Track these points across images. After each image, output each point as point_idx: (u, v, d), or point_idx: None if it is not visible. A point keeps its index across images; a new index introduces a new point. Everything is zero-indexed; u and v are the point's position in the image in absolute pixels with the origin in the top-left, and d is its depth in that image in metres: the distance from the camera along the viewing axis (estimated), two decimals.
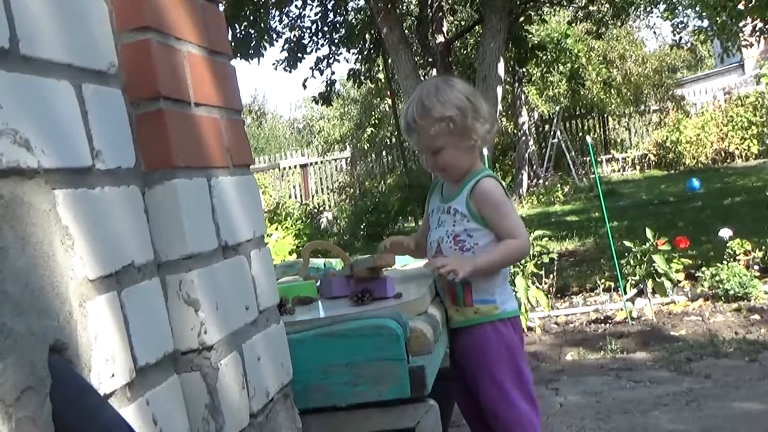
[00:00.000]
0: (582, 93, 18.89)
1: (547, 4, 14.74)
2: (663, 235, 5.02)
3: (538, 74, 17.86)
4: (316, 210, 14.51)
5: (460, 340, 2.33)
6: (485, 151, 4.25)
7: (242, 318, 1.48)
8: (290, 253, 8.06)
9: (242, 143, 1.65)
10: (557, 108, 17.91)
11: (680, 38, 16.53)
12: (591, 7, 15.01)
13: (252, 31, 12.35)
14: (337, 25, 14.11)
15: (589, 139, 6.01)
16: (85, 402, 0.96)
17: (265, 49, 12.62)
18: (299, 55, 13.68)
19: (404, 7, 15.02)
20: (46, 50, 1.07)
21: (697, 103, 18.90)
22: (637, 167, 17.60)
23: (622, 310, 4.95)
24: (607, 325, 4.84)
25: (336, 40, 14.14)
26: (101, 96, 1.20)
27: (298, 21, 13.87)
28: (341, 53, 14.53)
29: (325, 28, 13.92)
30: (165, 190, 1.30)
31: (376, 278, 2.24)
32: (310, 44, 13.92)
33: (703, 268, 5.23)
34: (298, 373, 1.75)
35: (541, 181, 15.85)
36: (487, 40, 10.01)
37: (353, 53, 14.84)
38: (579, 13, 15.59)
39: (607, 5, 14.82)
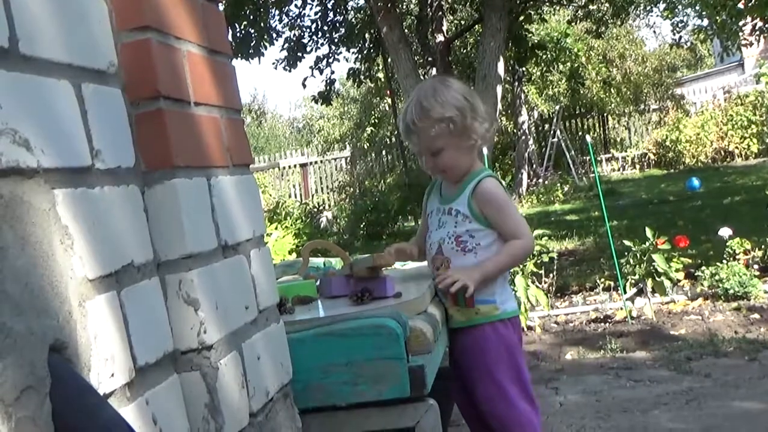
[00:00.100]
0: (582, 92, 18.90)
1: (547, 4, 14.74)
2: (663, 235, 5.02)
3: (538, 73, 17.87)
4: (315, 209, 14.51)
5: (460, 339, 2.33)
6: (485, 151, 4.25)
7: (242, 317, 1.48)
8: (290, 253, 8.07)
9: (242, 143, 1.65)
10: (557, 107, 17.91)
11: (680, 37, 16.53)
12: (591, 6, 15.02)
13: (252, 31, 12.35)
14: (337, 25, 14.11)
15: (588, 138, 6.02)
16: (84, 401, 0.96)
17: (265, 49, 12.62)
18: (299, 54, 13.68)
19: (404, 7, 15.02)
20: (45, 50, 1.07)
21: (696, 102, 18.91)
22: (637, 166, 17.61)
23: (621, 309, 4.95)
24: (607, 324, 4.84)
25: (336, 40, 14.15)
26: (101, 95, 1.20)
27: (298, 20, 13.88)
28: (341, 52, 14.55)
29: (325, 28, 13.92)
30: (165, 190, 1.30)
31: (375, 277, 2.24)
32: (309, 43, 13.93)
33: (703, 268, 5.23)
34: (297, 373, 1.75)
35: (540, 181, 15.85)
36: (487, 39, 10.01)
37: (353, 52, 14.85)
38: (579, 12, 15.59)
39: (607, 4, 14.83)
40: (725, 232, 5.43)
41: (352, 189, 17.11)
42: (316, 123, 30.69)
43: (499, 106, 10.96)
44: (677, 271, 4.96)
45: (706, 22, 13.51)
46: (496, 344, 2.27)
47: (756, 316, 4.53)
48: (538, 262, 5.11)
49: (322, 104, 15.45)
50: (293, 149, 22.94)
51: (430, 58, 13.39)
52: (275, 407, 1.59)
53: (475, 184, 2.27)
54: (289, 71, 14.05)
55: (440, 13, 12.76)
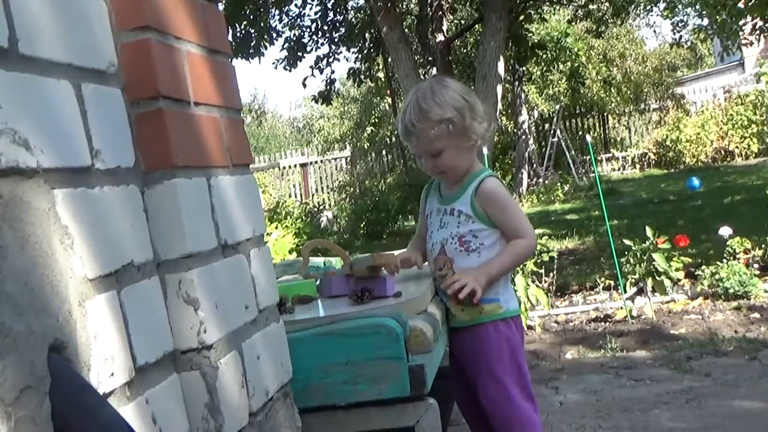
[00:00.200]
0: (582, 92, 18.88)
1: (547, 3, 14.73)
2: (663, 234, 5.02)
3: (538, 73, 17.86)
4: (315, 209, 14.51)
5: (462, 338, 2.33)
6: (485, 150, 4.25)
7: (242, 317, 1.49)
8: (290, 252, 8.06)
9: (242, 142, 1.65)
10: (557, 107, 17.90)
11: (680, 37, 16.53)
12: (591, 6, 15.01)
13: (252, 31, 12.35)
14: (337, 24, 14.10)
15: (588, 137, 6.01)
16: (84, 401, 0.96)
17: (265, 48, 12.61)
18: (299, 54, 13.67)
19: (404, 6, 15.02)
20: (45, 50, 1.07)
21: (697, 102, 18.90)
22: (637, 166, 17.61)
23: (622, 308, 4.95)
24: (607, 323, 4.84)
25: (336, 39, 14.15)
26: (101, 95, 1.20)
27: (298, 20, 13.87)
28: (341, 52, 14.54)
29: (325, 27, 13.92)
30: (164, 190, 1.30)
31: (375, 277, 2.24)
32: (310, 43, 13.92)
33: (703, 267, 5.23)
34: (297, 372, 1.75)
35: (541, 180, 15.85)
36: (487, 38, 10.00)
37: (353, 52, 14.85)
38: (579, 11, 15.59)
39: (607, 4, 14.81)
40: (725, 231, 5.43)
41: (352, 189, 17.10)
42: (316, 123, 30.70)
43: (499, 105, 10.95)
44: (677, 270, 4.96)
45: (706, 21, 13.52)
46: (499, 343, 2.28)
47: (756, 315, 4.53)
48: (539, 261, 5.11)
49: (322, 104, 15.45)
50: (293, 149, 22.94)
51: (430, 58, 13.39)
52: (275, 407, 1.59)
53: (477, 184, 2.27)
54: (290, 71, 14.06)
55: (440, 12, 12.75)
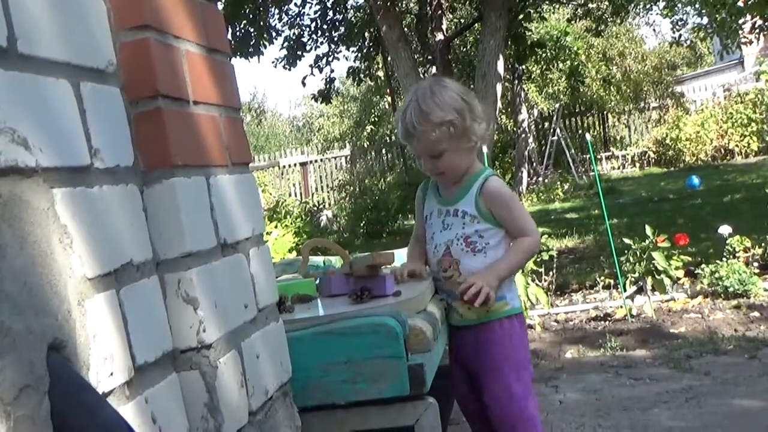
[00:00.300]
0: (581, 90, 18.89)
1: (547, 2, 14.73)
2: (663, 233, 5.02)
3: (538, 72, 17.87)
4: (315, 208, 14.52)
5: (466, 336, 2.33)
6: (485, 150, 4.25)
7: (241, 316, 1.49)
8: (290, 251, 8.07)
9: (241, 141, 1.65)
10: (557, 105, 17.90)
11: (680, 35, 16.54)
12: (590, 5, 15.01)
13: (251, 30, 12.34)
14: (337, 23, 14.11)
15: (588, 136, 6.01)
16: (83, 400, 0.96)
17: (265, 47, 12.61)
18: (299, 53, 13.67)
19: (404, 5, 15.02)
20: (44, 49, 1.07)
21: (696, 100, 18.90)
22: (637, 164, 17.61)
23: (621, 307, 4.95)
24: (607, 322, 4.85)
25: (335, 38, 14.15)
26: (99, 95, 1.20)
27: (298, 19, 13.87)
28: (341, 51, 14.55)
29: (325, 26, 13.92)
30: (164, 189, 1.30)
31: (375, 276, 2.24)
32: (309, 42, 13.92)
33: (703, 266, 5.24)
34: (297, 371, 1.75)
35: (540, 179, 15.85)
36: (487, 37, 10.00)
37: (353, 51, 14.86)
38: (578, 10, 15.58)
39: (607, 2, 14.81)
40: (725, 229, 5.43)
41: (352, 187, 17.10)
42: (315, 121, 30.70)
43: (499, 104, 10.95)
44: (677, 269, 4.97)
45: (705, 20, 13.53)
46: (504, 340, 2.29)
47: (756, 314, 4.54)
48: (538, 260, 5.12)
49: (321, 103, 15.45)
50: (293, 148, 22.94)
51: (429, 57, 13.38)
52: (274, 406, 1.59)
53: (480, 184, 2.28)
54: (289, 70, 14.07)
55: (440, 11, 12.75)
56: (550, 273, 5.37)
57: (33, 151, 0.99)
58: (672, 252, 4.95)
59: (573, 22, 17.28)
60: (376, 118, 22.46)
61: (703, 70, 25.75)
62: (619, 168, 17.73)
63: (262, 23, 12.51)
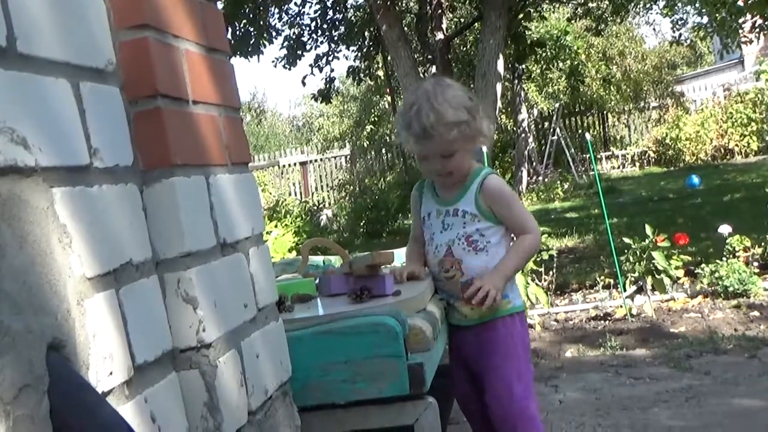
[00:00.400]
0: (581, 90, 18.88)
1: (547, 1, 14.72)
2: (662, 232, 5.02)
3: (538, 71, 17.86)
4: (315, 207, 14.52)
5: (468, 335, 2.34)
6: (484, 149, 4.25)
7: (241, 316, 1.48)
8: (290, 251, 8.06)
9: (241, 141, 1.65)
10: (557, 105, 17.91)
11: (680, 35, 16.55)
12: (590, 4, 15.01)
13: (251, 29, 12.34)
14: (337, 23, 14.10)
15: (588, 136, 6.01)
16: (83, 400, 0.96)
17: (265, 47, 12.60)
18: (299, 52, 13.66)
19: (403, 4, 15.01)
20: (43, 48, 1.07)
21: (696, 100, 18.90)
22: (637, 164, 17.61)
23: (621, 307, 4.95)
24: (607, 322, 4.85)
25: (335, 38, 14.14)
26: (99, 94, 1.20)
27: (298, 18, 13.86)
28: (341, 50, 14.54)
29: (325, 26, 13.91)
30: (163, 188, 1.30)
31: (374, 276, 2.24)
32: (309, 42, 13.91)
33: (703, 265, 5.24)
34: (296, 371, 1.75)
35: (540, 178, 15.85)
36: (487, 37, 9.99)
37: (353, 50, 14.85)
38: (578, 9, 15.58)
39: (607, 2, 14.81)
40: (725, 229, 5.43)
41: (351, 187, 17.10)
42: (315, 121, 30.69)
43: (499, 104, 10.94)
44: (677, 268, 4.97)
45: (705, 19, 13.53)
46: (507, 338, 2.30)
47: (756, 313, 4.54)
48: (538, 259, 5.12)
49: (321, 102, 15.44)
50: (293, 147, 22.95)
51: (429, 56, 13.37)
52: (274, 405, 1.59)
53: (480, 182, 2.28)
54: (289, 69, 14.06)
55: (440, 11, 12.74)
56: (550, 272, 5.37)
57: (32, 151, 0.99)
58: (672, 251, 4.95)
59: (573, 21, 17.28)
60: (375, 118, 22.46)
61: (703, 69, 25.76)
62: (619, 167, 17.72)
63: (261, 22, 12.50)
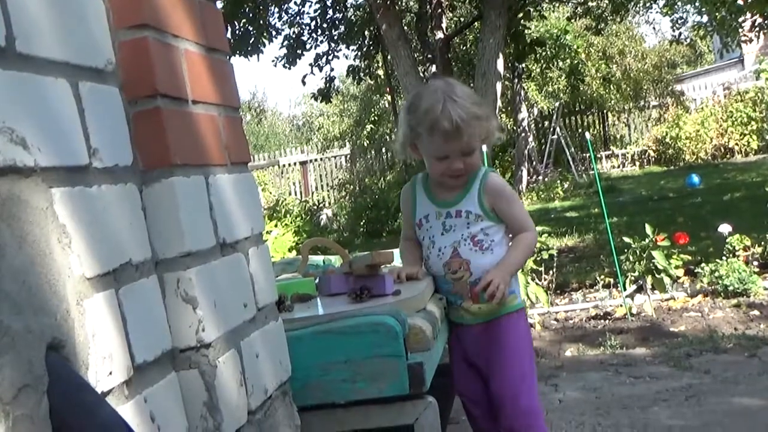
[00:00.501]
0: (581, 89, 18.89)
1: (546, 0, 14.72)
2: (662, 231, 5.02)
3: (538, 70, 17.86)
4: (315, 207, 14.53)
5: (474, 333, 2.34)
6: (484, 148, 4.25)
7: (240, 315, 1.48)
8: (290, 250, 8.07)
9: (240, 141, 1.65)
10: (557, 104, 17.91)
11: (680, 34, 16.58)
12: (590, 3, 15.01)
13: (251, 28, 12.34)
14: (337, 22, 14.10)
15: (588, 135, 6.01)
16: (82, 400, 0.96)
17: (264, 46, 12.61)
18: (298, 51, 13.67)
19: (403, 4, 15.01)
20: (43, 48, 1.07)
21: (696, 99, 18.90)
22: (637, 163, 17.62)
23: (621, 306, 4.95)
24: (607, 321, 4.85)
25: (335, 37, 14.15)
26: (98, 94, 1.20)
27: (297, 18, 13.87)
28: (340, 50, 14.54)
29: (325, 25, 13.92)
30: (162, 188, 1.30)
31: (374, 275, 2.23)
32: (309, 41, 13.92)
33: (703, 264, 5.24)
34: (296, 371, 1.75)
35: (540, 178, 15.85)
36: (486, 36, 9.99)
37: (352, 50, 14.86)
38: (578, 8, 15.59)
39: (606, 1, 14.81)
40: (725, 228, 5.43)
41: (352, 186, 17.12)
42: (315, 120, 30.69)
43: (499, 103, 10.94)
44: (677, 267, 4.97)
45: (705, 18, 13.52)
46: (515, 332, 2.32)
47: (756, 312, 4.54)
48: (538, 259, 5.12)
49: (321, 102, 15.45)
50: (293, 147, 22.97)
51: (429, 55, 13.37)
52: (274, 405, 1.59)
53: (481, 181, 2.29)
54: (289, 69, 14.05)
55: (439, 10, 12.74)
56: (550, 272, 5.37)
57: (31, 151, 0.99)
58: (672, 251, 4.95)
59: (573, 20, 17.29)
60: (376, 117, 22.46)
61: (703, 68, 25.77)
62: (618, 167, 17.73)
63: (261, 22, 12.51)
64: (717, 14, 11.47)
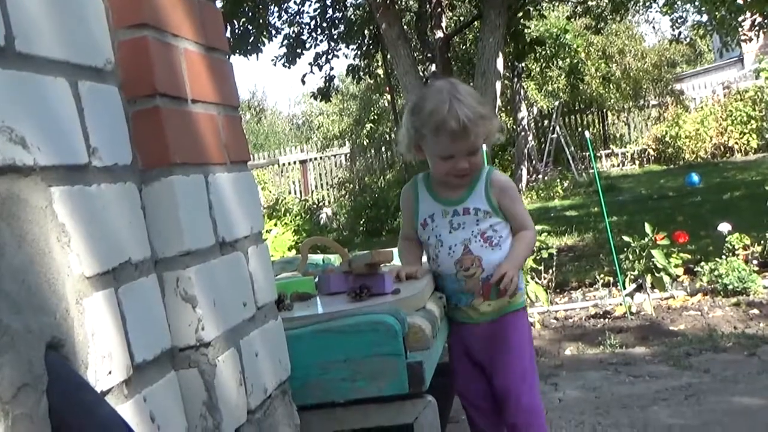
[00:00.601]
0: (581, 88, 18.88)
1: (546, 0, 14.72)
2: (662, 230, 5.02)
3: (537, 69, 17.86)
4: (315, 206, 14.52)
5: (479, 331, 2.35)
6: (484, 147, 4.25)
7: (240, 314, 1.49)
8: (289, 249, 8.07)
9: (240, 140, 1.65)
10: (556, 103, 17.90)
11: (679, 33, 16.58)
12: (590, 2, 15.00)
13: (250, 27, 12.33)
14: (336, 21, 14.10)
15: (587, 134, 6.01)
16: (81, 399, 0.96)
17: (264, 45, 12.60)
18: (298, 50, 13.66)
19: (403, 3, 15.00)
20: (42, 47, 1.07)
21: (696, 98, 18.90)
22: (637, 162, 17.61)
23: (621, 305, 4.95)
24: (606, 320, 4.85)
25: (335, 36, 14.14)
26: (97, 93, 1.20)
27: (297, 17, 13.86)
28: (340, 49, 14.54)
29: (324, 24, 13.91)
30: (162, 187, 1.30)
31: (374, 274, 2.23)
32: (309, 40, 13.91)
33: (702, 263, 5.24)
34: (296, 369, 1.75)
35: (540, 176, 15.85)
36: (486, 35, 9.99)
37: (352, 49, 14.86)
38: (578, 8, 15.59)
39: (606, 0, 14.80)
40: (724, 227, 5.43)
41: (351, 185, 17.11)
42: (315, 119, 30.69)
43: (499, 102, 10.94)
44: (676, 266, 4.97)
45: (705, 17, 13.52)
46: (520, 331, 2.36)
47: (755, 311, 4.54)
48: (538, 258, 5.12)
49: (321, 101, 15.45)
50: (293, 146, 22.95)
51: (429, 55, 13.36)
52: (273, 404, 1.59)
53: (487, 179, 2.32)
54: (289, 68, 14.03)
55: (439, 9, 12.73)
56: (550, 271, 5.37)
57: (31, 150, 0.99)
58: (671, 250, 4.95)
59: (572, 19, 17.28)
60: (375, 116, 22.47)
61: (703, 67, 25.76)
62: (618, 165, 17.72)
63: (261, 21, 12.50)
64: (717, 13, 11.47)
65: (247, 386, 1.45)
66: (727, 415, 2.91)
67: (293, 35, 13.73)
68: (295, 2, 13.61)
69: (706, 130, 16.46)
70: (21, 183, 0.97)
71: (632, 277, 5.07)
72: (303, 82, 14.30)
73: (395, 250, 2.54)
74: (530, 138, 16.50)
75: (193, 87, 1.43)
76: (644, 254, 4.81)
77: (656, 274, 4.77)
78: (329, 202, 16.49)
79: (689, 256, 5.31)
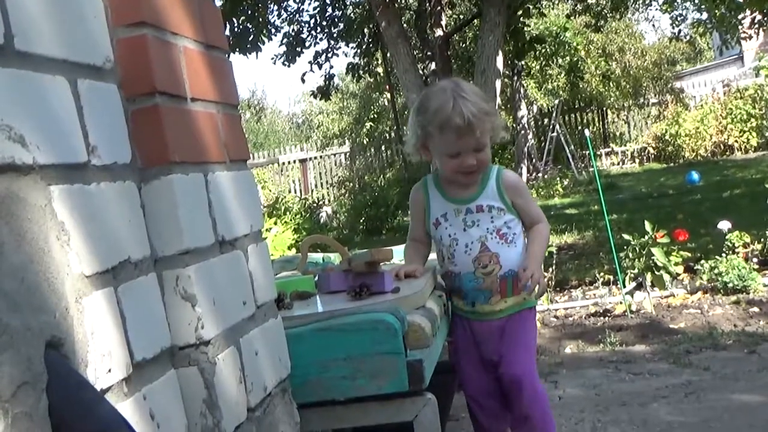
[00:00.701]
0: (581, 86, 18.85)
1: None
2: (662, 228, 5.02)
3: (537, 68, 17.84)
4: (315, 204, 14.52)
5: (493, 328, 2.37)
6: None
7: (239, 313, 1.49)
8: (289, 248, 8.07)
9: (239, 138, 1.65)
10: (556, 101, 17.89)
11: (679, 31, 16.55)
12: (590, 0, 14.98)
13: (250, 26, 12.32)
14: (336, 20, 14.08)
15: (587, 132, 6.01)
16: (81, 397, 0.96)
17: (263, 44, 12.58)
18: (298, 49, 13.65)
19: (403, 1, 14.99)
20: (41, 46, 1.07)
21: (696, 96, 18.87)
22: (637, 160, 17.60)
23: (621, 303, 4.95)
24: (606, 318, 4.85)
25: (335, 35, 14.12)
26: (97, 91, 1.20)
27: (297, 15, 13.85)
28: (340, 47, 14.51)
29: (324, 23, 13.89)
30: (161, 186, 1.30)
31: (374, 273, 2.24)
32: (308, 38, 13.89)
33: (702, 261, 5.23)
34: (296, 368, 1.76)
35: (540, 175, 15.85)
36: (486, 33, 9.97)
37: (352, 47, 14.83)
38: (578, 6, 15.56)
39: None
40: (724, 225, 5.43)
41: (351, 184, 17.10)
42: (315, 118, 30.66)
43: (498, 100, 10.93)
44: (676, 264, 4.97)
45: (705, 15, 13.52)
46: (530, 327, 2.40)
47: (755, 309, 4.54)
48: None
49: (321, 99, 15.43)
50: (292, 145, 22.93)
51: (429, 53, 13.34)
52: (273, 402, 1.59)
53: (497, 176, 2.34)
54: (288, 66, 14.01)
55: (439, 7, 12.71)
56: (550, 269, 5.37)
57: (30, 149, 0.99)
58: (671, 248, 4.95)
59: (572, 17, 17.25)
60: (375, 115, 22.46)
61: (703, 65, 25.73)
62: (618, 164, 17.71)
63: (260, 19, 12.48)
64: (716, 11, 11.46)
65: (247, 384, 1.45)
66: (726, 412, 2.91)
67: (293, 34, 13.72)
68: (294, 1, 13.61)
69: (706, 128, 16.45)
70: (20, 181, 0.97)
71: (632, 275, 5.07)
72: (303, 80, 14.25)
73: (395, 249, 2.55)
74: (530, 136, 16.50)
75: (193, 85, 1.43)
76: (644, 252, 4.81)
77: (656, 273, 4.77)
78: (329, 201, 16.49)
79: (689, 255, 5.32)
